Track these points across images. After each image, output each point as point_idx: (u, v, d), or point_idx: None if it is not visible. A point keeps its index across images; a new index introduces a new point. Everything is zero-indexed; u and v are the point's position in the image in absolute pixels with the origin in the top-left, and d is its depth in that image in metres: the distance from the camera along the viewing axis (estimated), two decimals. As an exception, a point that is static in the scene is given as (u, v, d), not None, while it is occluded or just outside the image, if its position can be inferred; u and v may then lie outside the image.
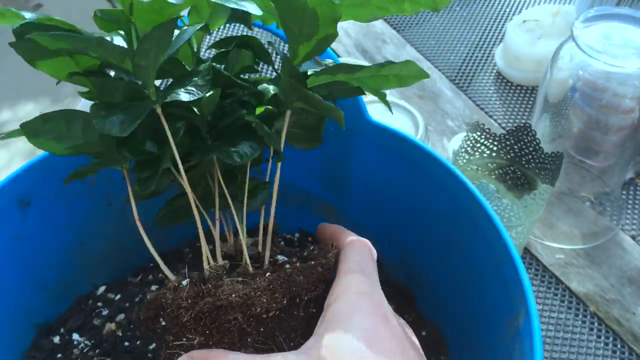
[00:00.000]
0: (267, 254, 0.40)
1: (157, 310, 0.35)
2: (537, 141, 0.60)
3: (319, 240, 0.43)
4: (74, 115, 0.36)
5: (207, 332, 0.34)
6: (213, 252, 0.39)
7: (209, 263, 0.38)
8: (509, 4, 1.03)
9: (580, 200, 0.70)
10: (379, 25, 0.99)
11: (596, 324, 0.60)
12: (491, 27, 0.98)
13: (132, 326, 0.49)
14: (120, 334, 0.49)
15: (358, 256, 0.37)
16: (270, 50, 0.40)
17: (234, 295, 0.34)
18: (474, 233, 0.41)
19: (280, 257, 0.42)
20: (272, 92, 0.38)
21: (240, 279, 0.36)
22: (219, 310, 0.34)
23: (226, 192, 0.39)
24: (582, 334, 0.59)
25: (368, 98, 0.74)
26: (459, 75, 0.90)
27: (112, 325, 0.49)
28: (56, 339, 0.49)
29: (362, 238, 0.39)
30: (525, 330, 0.35)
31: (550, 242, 0.67)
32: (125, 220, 0.53)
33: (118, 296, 0.52)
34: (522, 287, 0.36)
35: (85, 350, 0.48)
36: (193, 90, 0.33)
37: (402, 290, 0.53)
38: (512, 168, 0.63)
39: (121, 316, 0.50)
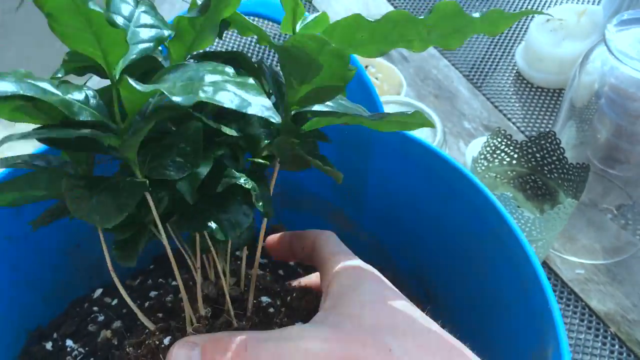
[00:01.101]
0: (251, 299, 0.37)
1: None
2: (562, 150, 0.57)
3: (271, 255, 0.43)
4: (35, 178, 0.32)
5: None
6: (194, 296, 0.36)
7: (192, 324, 0.35)
8: (531, 1, 0.99)
9: (602, 213, 0.67)
10: (396, 19, 0.96)
11: (617, 346, 0.57)
12: (512, 24, 0.95)
13: (128, 334, 0.47)
14: (116, 342, 0.46)
15: (332, 238, 0.38)
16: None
17: None
18: (499, 254, 0.38)
19: (264, 299, 0.39)
20: (265, 141, 0.33)
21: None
22: None
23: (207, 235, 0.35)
24: (602, 356, 0.56)
25: (384, 98, 0.71)
26: (476, 75, 0.87)
27: (108, 333, 0.47)
28: (49, 345, 0.46)
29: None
30: (555, 367, 0.32)
31: (570, 256, 0.63)
32: (125, 221, 0.51)
33: (115, 301, 0.50)
34: (552, 319, 0.33)
35: (79, 359, 0.46)
36: (182, 164, 0.29)
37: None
38: (532, 177, 0.60)
39: (117, 323, 0.47)
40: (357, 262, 0.36)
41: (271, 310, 0.36)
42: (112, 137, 0.27)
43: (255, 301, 0.37)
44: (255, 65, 0.35)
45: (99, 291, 0.50)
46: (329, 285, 0.34)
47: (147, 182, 0.28)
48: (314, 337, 0.29)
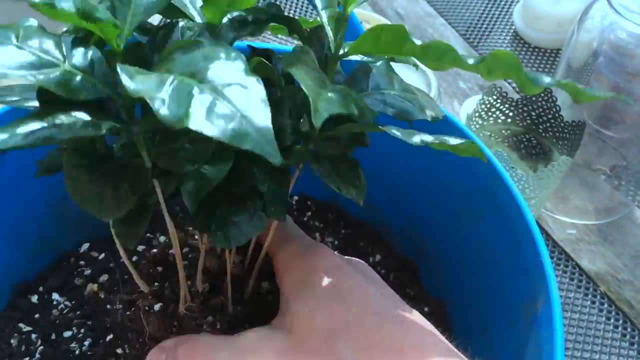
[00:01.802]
0: (251, 283, 0.36)
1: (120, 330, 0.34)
2: (557, 108, 0.56)
3: None
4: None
5: None
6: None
7: (185, 302, 0.34)
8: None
9: (595, 173, 0.67)
10: (392, -24, 0.93)
11: (606, 305, 0.57)
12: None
13: (115, 288, 0.46)
14: (103, 296, 0.46)
15: (283, 226, 0.35)
16: None
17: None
18: (492, 208, 0.38)
19: (265, 285, 0.38)
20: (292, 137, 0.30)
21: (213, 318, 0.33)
22: None
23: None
24: (590, 314, 0.56)
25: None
26: (473, 34, 0.85)
27: (95, 286, 0.46)
28: (34, 299, 0.46)
29: None
30: (544, 318, 0.31)
31: (562, 217, 0.63)
32: (112, 174, 0.50)
33: (102, 255, 0.49)
34: (543, 271, 0.33)
35: (65, 312, 0.45)
36: (192, 153, 0.25)
37: (405, 263, 0.50)
38: (527, 136, 0.59)
39: (104, 277, 0.47)
40: (307, 249, 0.33)
41: (270, 298, 0.35)
42: (115, 122, 0.23)
43: (256, 284, 0.35)
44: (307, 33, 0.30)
45: (85, 245, 0.50)
46: (281, 280, 0.32)
47: (153, 170, 0.25)
48: (269, 349, 0.28)
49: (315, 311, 0.29)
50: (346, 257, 0.33)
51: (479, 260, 0.40)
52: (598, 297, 0.58)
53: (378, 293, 0.30)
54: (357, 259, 0.34)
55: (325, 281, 0.30)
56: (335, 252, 0.33)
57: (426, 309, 0.47)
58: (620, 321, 0.56)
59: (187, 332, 0.32)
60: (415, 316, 0.30)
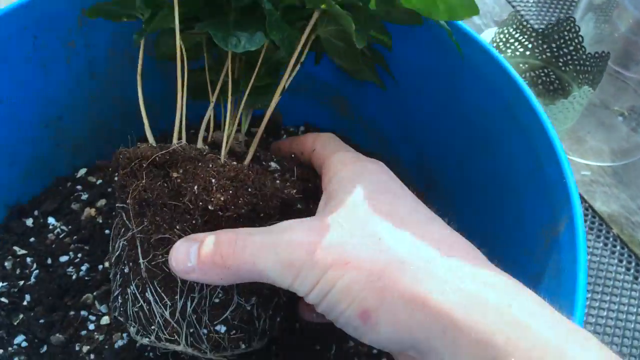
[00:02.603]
0: (252, 150, 0.35)
1: (115, 165, 0.33)
2: (580, 39, 0.53)
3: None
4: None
5: (145, 205, 0.31)
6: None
7: (179, 138, 0.33)
8: None
9: (612, 114, 0.64)
10: None
11: (619, 247, 0.55)
12: None
13: (113, 213, 0.44)
14: (101, 221, 0.44)
15: (332, 138, 0.37)
16: None
17: (191, 176, 0.31)
18: (512, 129, 0.35)
19: (274, 165, 0.37)
20: None
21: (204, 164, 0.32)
22: (170, 189, 0.31)
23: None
24: (602, 256, 0.55)
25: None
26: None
27: (92, 211, 0.45)
28: (29, 222, 0.44)
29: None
30: (566, 240, 0.30)
31: (577, 158, 0.61)
32: (110, 95, 0.47)
33: (100, 180, 0.47)
34: (567, 191, 0.30)
35: (61, 236, 0.43)
36: None
37: (415, 195, 0.48)
38: (546, 70, 0.57)
39: (102, 201, 0.45)
40: (360, 157, 0.34)
41: (276, 176, 0.34)
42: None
43: (264, 163, 0.36)
44: None
45: (82, 171, 0.48)
46: (328, 182, 0.32)
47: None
48: (300, 228, 0.28)
49: (358, 199, 0.29)
50: None
51: (494, 187, 0.38)
52: (611, 239, 0.56)
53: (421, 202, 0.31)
54: None
55: (375, 179, 0.31)
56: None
57: (435, 242, 0.45)
58: (633, 264, 0.54)
59: (176, 167, 0.32)
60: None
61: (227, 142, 0.35)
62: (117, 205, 0.34)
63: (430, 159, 0.45)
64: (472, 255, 0.27)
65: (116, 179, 0.33)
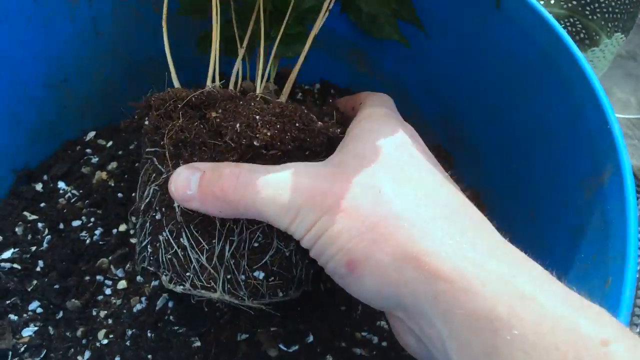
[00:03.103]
0: (287, 90, 0.33)
1: (146, 110, 0.32)
2: (610, -15, 0.50)
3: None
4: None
5: (182, 145, 0.30)
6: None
7: (213, 81, 0.31)
8: None
9: (639, 65, 0.62)
10: None
11: (648, 201, 0.54)
12: None
13: (126, 176, 0.43)
14: (113, 184, 0.42)
15: (380, 97, 0.35)
16: None
17: (231, 115, 0.29)
18: (548, 77, 0.33)
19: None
20: None
21: (246, 102, 0.31)
22: (210, 130, 0.30)
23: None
24: (632, 211, 0.53)
25: None
26: None
27: (103, 174, 0.43)
28: (39, 187, 0.43)
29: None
30: (612, 189, 0.28)
31: (603, 111, 0.58)
32: (117, 55, 0.45)
33: (110, 143, 0.45)
34: (612, 138, 0.29)
35: (72, 201, 0.42)
36: None
37: (438, 152, 0.46)
38: (571, 20, 0.54)
39: (113, 164, 0.44)
40: (392, 115, 0.32)
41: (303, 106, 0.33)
42: None
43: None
44: None
45: (91, 134, 0.46)
46: (350, 130, 0.31)
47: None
48: (304, 171, 0.27)
49: (370, 151, 0.28)
50: None
51: (527, 138, 0.36)
52: (639, 193, 0.54)
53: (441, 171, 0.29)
54: None
55: (394, 135, 0.29)
56: None
57: (461, 200, 0.43)
58: (663, 219, 0.53)
59: (214, 106, 0.31)
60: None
61: (260, 87, 0.33)
62: (146, 150, 0.32)
63: (456, 113, 0.43)
64: (477, 223, 0.26)
65: (146, 122, 0.32)
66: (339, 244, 0.25)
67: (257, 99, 0.31)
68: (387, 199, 0.25)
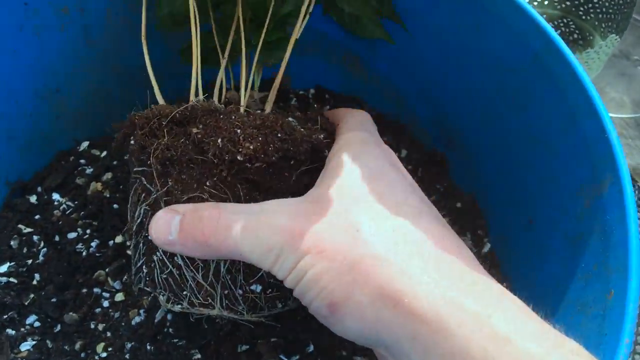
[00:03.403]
0: (271, 100, 0.33)
1: (131, 129, 0.32)
2: (603, -15, 0.50)
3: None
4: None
5: (169, 163, 0.30)
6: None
7: (197, 95, 0.31)
8: None
9: (633, 64, 0.62)
10: None
11: (644, 201, 0.54)
12: None
13: (121, 186, 0.43)
14: (108, 195, 0.42)
15: (358, 117, 0.35)
16: None
17: (212, 130, 0.29)
18: (541, 82, 0.33)
19: (291, 120, 0.35)
20: None
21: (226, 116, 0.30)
22: (193, 145, 0.29)
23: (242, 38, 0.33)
24: (628, 210, 0.53)
25: None
26: None
27: (98, 185, 0.43)
28: (33, 199, 0.42)
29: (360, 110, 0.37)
30: (612, 198, 0.28)
31: (597, 110, 0.59)
32: (110, 64, 0.45)
33: (104, 153, 0.45)
34: (609, 147, 0.29)
35: (67, 212, 0.42)
36: None
37: (433, 157, 0.46)
38: (565, 20, 0.54)
39: (108, 175, 0.43)
40: (369, 140, 0.32)
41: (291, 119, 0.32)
42: None
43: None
44: None
45: (85, 144, 0.46)
46: (330, 159, 0.31)
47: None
48: (284, 211, 0.27)
49: (350, 183, 0.28)
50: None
51: (522, 144, 0.36)
52: (636, 192, 0.54)
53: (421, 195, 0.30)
54: None
55: (374, 164, 0.29)
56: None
57: (458, 205, 0.43)
58: (658, 218, 0.53)
59: (196, 121, 0.31)
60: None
61: (244, 97, 0.33)
62: (134, 170, 0.32)
63: (451, 117, 0.43)
64: (457, 255, 0.26)
65: (132, 142, 0.31)
66: (320, 285, 0.25)
67: (239, 111, 0.31)
68: (364, 238, 0.25)
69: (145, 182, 0.31)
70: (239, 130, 0.29)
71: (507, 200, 0.39)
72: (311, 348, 0.35)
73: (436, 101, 0.43)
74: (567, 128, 0.32)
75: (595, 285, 0.28)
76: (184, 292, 0.30)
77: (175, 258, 0.30)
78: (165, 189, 0.30)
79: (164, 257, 0.30)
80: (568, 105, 0.31)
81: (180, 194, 0.30)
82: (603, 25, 0.51)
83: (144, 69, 0.45)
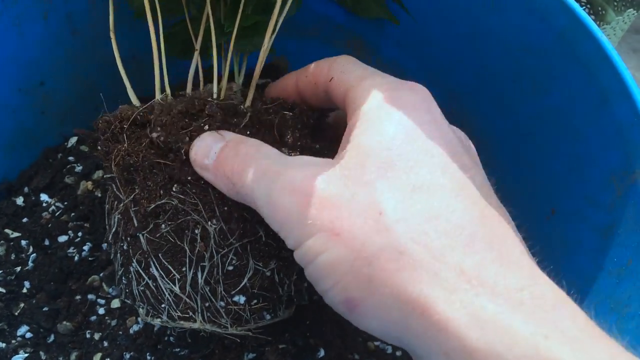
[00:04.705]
0: (250, 96, 0.30)
1: (98, 135, 0.30)
2: (617, -43, 0.47)
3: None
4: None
5: (133, 170, 0.28)
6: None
7: (162, 92, 0.30)
8: None
9: (645, 40, 0.59)
10: None
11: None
12: None
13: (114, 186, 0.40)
14: (99, 195, 0.40)
15: (353, 62, 0.29)
16: None
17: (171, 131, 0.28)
18: (567, 63, 0.31)
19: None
20: None
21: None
22: (154, 148, 0.28)
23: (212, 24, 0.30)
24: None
25: None
26: None
27: (89, 184, 0.40)
28: (19, 201, 0.40)
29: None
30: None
31: (609, 89, 0.56)
32: (96, 54, 0.42)
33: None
34: (645, 132, 0.26)
35: (57, 214, 0.39)
36: None
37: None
38: (575, -5, 0.51)
39: (99, 173, 0.41)
40: (396, 83, 0.26)
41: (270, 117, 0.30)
42: None
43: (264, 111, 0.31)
44: None
45: (73, 140, 0.43)
46: (352, 115, 0.26)
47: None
48: (307, 169, 0.24)
49: (377, 146, 0.23)
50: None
51: (545, 131, 0.34)
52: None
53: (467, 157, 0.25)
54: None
55: (406, 119, 0.24)
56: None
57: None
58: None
59: (153, 123, 0.29)
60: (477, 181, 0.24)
61: (220, 89, 0.30)
62: (105, 176, 0.30)
63: (462, 103, 0.40)
64: (501, 251, 0.21)
65: (99, 148, 0.30)
66: (334, 277, 0.22)
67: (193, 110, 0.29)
68: (388, 225, 0.21)
69: (115, 190, 0.29)
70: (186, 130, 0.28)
71: (526, 189, 0.37)
72: (322, 353, 0.33)
73: (447, 86, 0.41)
74: (596, 112, 0.29)
75: (629, 282, 0.26)
76: (162, 305, 0.28)
77: (150, 269, 0.28)
78: (132, 197, 0.28)
79: (139, 268, 0.28)
80: (597, 88, 0.29)
81: (147, 202, 0.28)
82: (616, 0, 0.48)
83: (133, 59, 0.42)
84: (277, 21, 0.30)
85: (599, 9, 0.50)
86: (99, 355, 0.34)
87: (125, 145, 0.28)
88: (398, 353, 0.35)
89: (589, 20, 0.29)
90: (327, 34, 0.44)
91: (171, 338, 0.34)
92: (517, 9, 0.33)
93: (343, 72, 0.28)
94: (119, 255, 0.30)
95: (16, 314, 0.35)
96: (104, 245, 0.38)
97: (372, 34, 0.43)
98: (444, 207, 0.22)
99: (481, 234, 0.21)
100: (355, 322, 0.23)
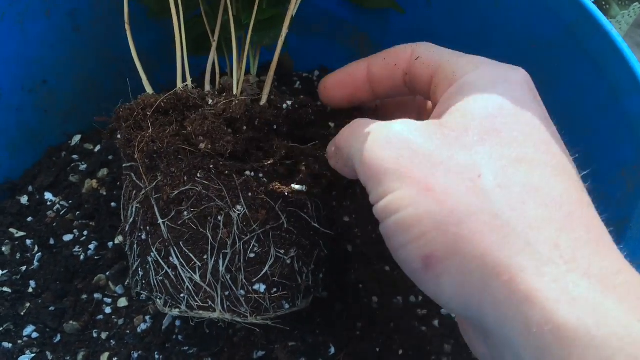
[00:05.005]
0: (267, 89, 0.30)
1: (117, 123, 0.30)
2: (621, -50, 0.47)
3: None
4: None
5: (156, 157, 0.28)
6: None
7: (184, 81, 0.30)
8: None
9: (647, 34, 0.59)
10: None
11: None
12: None
13: (118, 183, 0.40)
14: (104, 193, 0.39)
15: (436, 47, 0.28)
16: None
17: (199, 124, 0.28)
18: (576, 57, 0.31)
19: (288, 104, 0.32)
20: None
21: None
22: (185, 139, 0.28)
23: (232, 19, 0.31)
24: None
25: None
26: None
27: (93, 183, 0.40)
28: (24, 200, 0.39)
29: None
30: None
31: (612, 83, 0.56)
32: (99, 51, 0.41)
33: (98, 147, 0.42)
34: (657, 125, 0.26)
35: (62, 213, 0.39)
36: None
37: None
38: (579, -11, 0.51)
39: (104, 171, 0.40)
40: (494, 61, 0.26)
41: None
42: None
43: (278, 106, 0.31)
44: None
45: (77, 138, 0.43)
46: (449, 85, 0.25)
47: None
48: (407, 122, 0.23)
49: (480, 114, 0.23)
50: None
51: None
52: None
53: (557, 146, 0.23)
54: None
55: (511, 94, 0.23)
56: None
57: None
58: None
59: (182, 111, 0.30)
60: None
61: (239, 82, 0.30)
62: (124, 166, 0.30)
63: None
64: (596, 235, 0.21)
65: (118, 136, 0.29)
66: (416, 231, 0.21)
67: (219, 103, 0.29)
68: (486, 188, 0.21)
69: (135, 178, 0.29)
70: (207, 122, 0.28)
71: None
72: (332, 350, 0.33)
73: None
74: (606, 106, 0.29)
75: (642, 276, 0.26)
76: (182, 295, 0.28)
77: (171, 258, 0.28)
78: (154, 184, 0.28)
79: (158, 257, 0.28)
80: (608, 81, 0.29)
81: (170, 189, 0.27)
82: (621, -7, 0.48)
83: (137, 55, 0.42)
84: (292, 13, 0.30)
85: (603, 3, 0.50)
86: (106, 354, 0.34)
87: (150, 131, 0.27)
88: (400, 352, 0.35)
89: (598, 13, 0.29)
90: (331, 30, 0.44)
91: (179, 336, 0.34)
92: (525, 2, 0.32)
93: (431, 52, 0.28)
94: (135, 246, 0.29)
95: (22, 314, 0.35)
96: (110, 244, 0.37)
97: (376, 28, 0.42)
98: (544, 183, 0.21)
99: (579, 215, 0.21)
100: (426, 282, 0.22)
